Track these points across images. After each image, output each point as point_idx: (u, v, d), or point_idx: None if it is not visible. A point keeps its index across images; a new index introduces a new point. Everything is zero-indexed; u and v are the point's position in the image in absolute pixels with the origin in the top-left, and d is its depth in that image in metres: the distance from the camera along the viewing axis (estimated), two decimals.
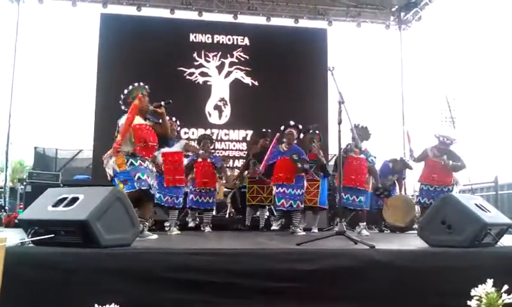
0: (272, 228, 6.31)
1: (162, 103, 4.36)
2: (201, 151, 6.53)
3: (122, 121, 4.24)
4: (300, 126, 6.11)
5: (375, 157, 6.27)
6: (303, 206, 5.98)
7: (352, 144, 6.00)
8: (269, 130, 6.97)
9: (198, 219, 6.74)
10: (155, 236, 4.44)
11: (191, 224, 6.60)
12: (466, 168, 6.36)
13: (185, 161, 6.26)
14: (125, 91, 4.41)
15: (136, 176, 4.10)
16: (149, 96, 4.45)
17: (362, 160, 6.00)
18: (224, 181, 6.94)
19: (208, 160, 6.49)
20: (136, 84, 4.43)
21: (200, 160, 6.48)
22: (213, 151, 7.20)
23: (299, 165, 5.73)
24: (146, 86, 4.48)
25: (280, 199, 5.84)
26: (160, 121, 4.41)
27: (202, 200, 6.45)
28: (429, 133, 6.69)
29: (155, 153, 4.99)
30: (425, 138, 6.63)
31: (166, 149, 5.53)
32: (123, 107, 4.43)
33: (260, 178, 6.62)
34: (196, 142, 6.99)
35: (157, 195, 5.58)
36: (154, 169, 4.44)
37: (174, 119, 5.84)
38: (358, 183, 5.96)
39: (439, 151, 6.31)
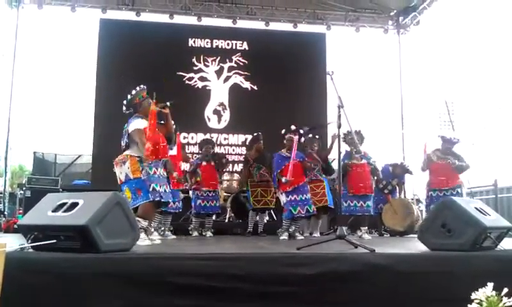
0: (282, 238, 6.08)
1: (168, 103, 4.34)
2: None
3: (136, 126, 4.12)
4: (301, 131, 6.11)
5: (374, 161, 6.35)
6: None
7: (351, 149, 6.05)
8: (260, 133, 6.99)
9: (200, 229, 6.70)
10: (158, 241, 4.46)
11: (195, 234, 6.52)
12: (470, 168, 6.33)
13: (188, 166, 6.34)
14: (132, 93, 4.33)
15: (151, 187, 4.04)
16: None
17: (365, 166, 6.07)
18: (225, 186, 6.96)
19: (212, 163, 6.62)
20: (137, 89, 4.37)
21: (204, 163, 6.56)
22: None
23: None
24: (145, 87, 4.40)
25: (295, 207, 5.68)
26: (163, 121, 4.38)
27: (210, 204, 6.49)
28: (429, 136, 6.65)
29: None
30: (425, 142, 6.57)
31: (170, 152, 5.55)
32: (125, 110, 4.34)
33: (262, 182, 6.59)
34: (198, 146, 7.03)
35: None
36: (165, 173, 4.35)
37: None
38: (367, 189, 6.14)
39: (443, 153, 6.27)
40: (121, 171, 4.12)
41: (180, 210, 6.01)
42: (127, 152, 4.15)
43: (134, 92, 4.35)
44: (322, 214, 6.72)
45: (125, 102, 4.35)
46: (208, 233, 6.56)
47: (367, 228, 6.17)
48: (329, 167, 6.61)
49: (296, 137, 5.90)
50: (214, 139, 10.68)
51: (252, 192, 6.76)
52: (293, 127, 6.03)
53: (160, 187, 4.11)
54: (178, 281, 2.54)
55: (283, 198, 5.87)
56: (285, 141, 6.00)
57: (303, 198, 5.73)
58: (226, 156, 10.57)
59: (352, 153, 6.13)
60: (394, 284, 2.76)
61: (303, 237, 5.85)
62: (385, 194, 7.07)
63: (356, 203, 6.00)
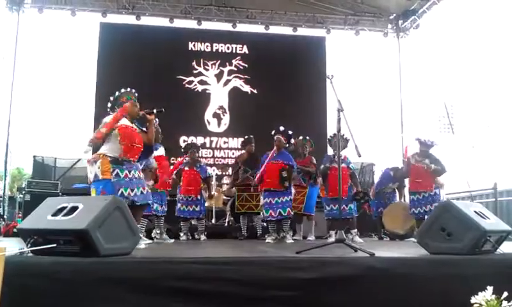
0: (267, 241, 6.11)
1: (154, 110, 4.18)
2: (187, 159, 6.61)
3: (107, 119, 3.98)
4: (290, 132, 6.11)
5: (354, 166, 6.44)
6: (293, 212, 5.95)
7: (335, 153, 6.08)
8: (252, 136, 7.00)
9: (189, 234, 6.66)
10: (148, 241, 4.41)
11: (183, 238, 6.46)
12: (447, 172, 6.35)
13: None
14: (121, 91, 4.21)
15: (119, 192, 3.83)
16: (145, 104, 4.30)
17: (344, 169, 6.04)
18: (208, 195, 6.88)
19: (195, 169, 6.52)
20: (127, 89, 4.25)
21: (186, 168, 6.52)
22: (200, 159, 7.15)
23: (285, 183, 5.69)
24: (136, 93, 4.28)
25: (267, 210, 5.75)
26: (146, 128, 4.18)
27: (188, 209, 6.42)
28: (410, 140, 6.71)
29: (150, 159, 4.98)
30: (406, 145, 6.62)
31: (156, 153, 5.47)
32: (109, 106, 4.21)
33: (247, 185, 6.61)
34: (182, 150, 6.95)
35: (155, 205, 5.56)
36: (141, 175, 4.16)
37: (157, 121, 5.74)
38: (342, 192, 6.02)
39: (420, 156, 6.32)
40: (92, 171, 3.89)
41: (165, 214, 5.95)
42: (101, 150, 3.94)
43: (122, 90, 4.23)
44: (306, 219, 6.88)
45: (111, 98, 4.21)
46: (202, 236, 6.54)
47: (356, 230, 6.17)
48: (313, 178, 6.69)
49: (279, 137, 5.92)
50: (214, 143, 10.74)
51: (238, 196, 6.80)
52: (281, 128, 6.03)
53: (131, 191, 3.91)
54: (178, 285, 2.53)
55: (261, 199, 5.93)
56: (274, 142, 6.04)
57: (279, 200, 5.73)
58: (226, 160, 10.65)
59: (333, 157, 6.18)
60: (393, 288, 2.76)
61: (292, 241, 5.84)
62: (361, 204, 7.05)
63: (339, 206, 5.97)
